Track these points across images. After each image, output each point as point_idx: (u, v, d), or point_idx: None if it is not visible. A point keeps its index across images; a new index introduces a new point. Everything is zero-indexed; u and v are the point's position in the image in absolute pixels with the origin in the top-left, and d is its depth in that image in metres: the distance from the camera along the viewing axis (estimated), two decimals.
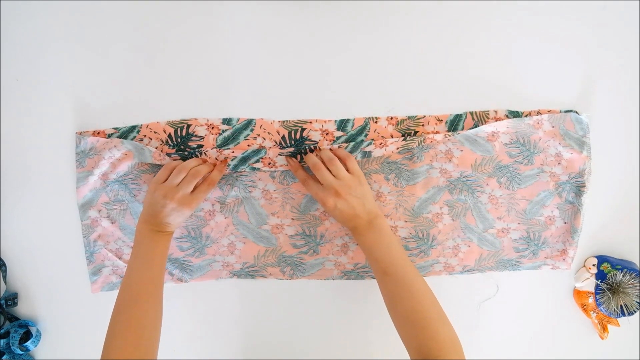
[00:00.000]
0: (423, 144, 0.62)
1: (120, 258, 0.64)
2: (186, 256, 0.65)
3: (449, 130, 0.63)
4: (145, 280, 0.55)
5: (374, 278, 0.66)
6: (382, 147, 0.61)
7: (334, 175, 0.57)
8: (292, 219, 0.64)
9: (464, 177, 0.64)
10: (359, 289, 0.67)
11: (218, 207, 0.63)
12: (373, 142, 0.61)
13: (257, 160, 0.61)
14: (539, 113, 0.64)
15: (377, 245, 0.57)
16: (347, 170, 0.58)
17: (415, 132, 0.63)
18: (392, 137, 0.63)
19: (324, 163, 0.59)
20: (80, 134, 0.62)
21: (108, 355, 0.50)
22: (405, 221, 0.64)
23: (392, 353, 0.68)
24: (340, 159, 0.60)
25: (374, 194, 0.64)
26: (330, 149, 0.61)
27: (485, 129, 0.63)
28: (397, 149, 0.62)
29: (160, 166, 0.61)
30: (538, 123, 0.63)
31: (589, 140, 0.64)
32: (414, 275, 0.56)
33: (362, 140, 0.62)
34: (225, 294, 0.66)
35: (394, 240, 0.58)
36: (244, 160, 0.61)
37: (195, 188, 0.58)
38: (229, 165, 0.61)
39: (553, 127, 0.63)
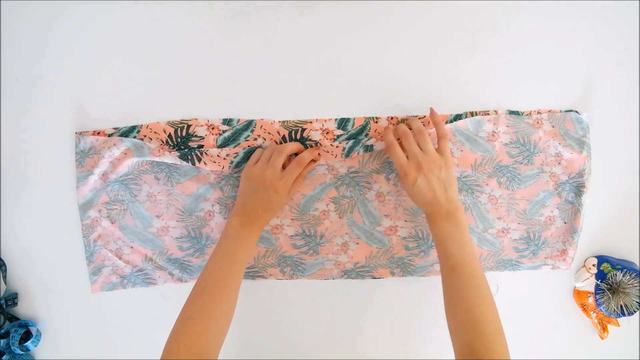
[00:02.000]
0: None
1: (120, 258, 0.64)
2: (186, 256, 0.65)
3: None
4: (223, 275, 0.54)
5: (375, 278, 0.66)
6: (383, 139, 0.61)
7: (420, 149, 0.55)
8: (292, 219, 0.64)
9: (463, 177, 0.64)
10: (359, 289, 0.67)
11: (217, 207, 0.63)
12: (373, 136, 0.61)
13: None
14: (539, 113, 0.64)
15: (451, 239, 0.55)
16: (437, 149, 0.56)
17: None
18: None
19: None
20: (80, 133, 0.62)
21: (174, 340, 0.50)
22: (405, 221, 0.64)
23: (391, 353, 0.68)
24: (434, 136, 0.57)
25: (374, 194, 0.64)
26: (423, 123, 0.60)
27: (485, 126, 0.63)
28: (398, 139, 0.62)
29: (158, 164, 0.62)
30: (538, 122, 0.63)
31: (589, 141, 0.64)
32: (482, 280, 0.54)
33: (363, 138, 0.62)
34: None
35: (469, 239, 0.55)
36: (246, 157, 0.61)
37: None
38: (231, 162, 0.61)
39: (553, 126, 0.63)
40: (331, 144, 0.61)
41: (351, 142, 0.61)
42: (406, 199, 0.64)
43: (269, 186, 0.56)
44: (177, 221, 0.64)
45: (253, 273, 0.65)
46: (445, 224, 0.55)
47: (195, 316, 0.51)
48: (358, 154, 0.62)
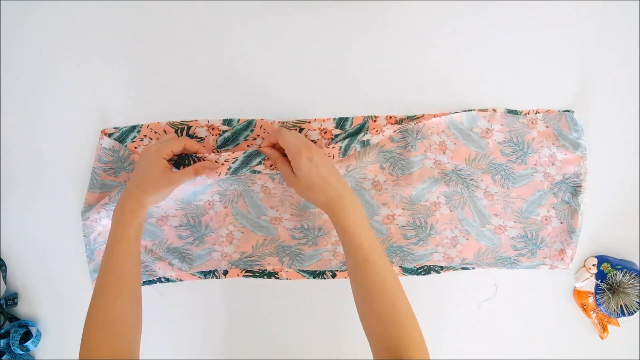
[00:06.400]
0: (417, 125, 0.62)
1: None
2: (186, 244, 0.64)
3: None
4: (118, 269, 0.52)
5: None
6: (379, 133, 0.61)
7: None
8: (291, 214, 0.64)
9: (458, 170, 0.64)
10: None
11: (217, 197, 0.63)
12: (368, 131, 0.61)
13: (260, 162, 0.59)
14: (537, 112, 0.64)
15: (360, 227, 0.51)
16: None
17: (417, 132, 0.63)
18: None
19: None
20: (126, 146, 0.62)
21: (87, 348, 0.49)
22: (403, 209, 0.64)
23: None
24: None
25: (370, 183, 0.64)
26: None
27: (480, 123, 0.63)
28: (394, 132, 0.62)
29: None
30: (532, 122, 0.63)
31: (584, 142, 0.63)
32: (391, 267, 0.51)
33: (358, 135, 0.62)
34: (225, 294, 0.66)
35: (370, 226, 0.53)
36: (245, 163, 0.59)
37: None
38: (229, 168, 0.59)
39: (547, 127, 0.63)
40: (326, 147, 0.61)
41: (347, 140, 0.61)
42: (403, 188, 0.63)
43: (143, 154, 0.55)
44: (176, 209, 0.64)
45: (252, 262, 0.65)
46: (351, 211, 0.52)
47: (106, 319, 0.50)
48: (355, 150, 0.61)
